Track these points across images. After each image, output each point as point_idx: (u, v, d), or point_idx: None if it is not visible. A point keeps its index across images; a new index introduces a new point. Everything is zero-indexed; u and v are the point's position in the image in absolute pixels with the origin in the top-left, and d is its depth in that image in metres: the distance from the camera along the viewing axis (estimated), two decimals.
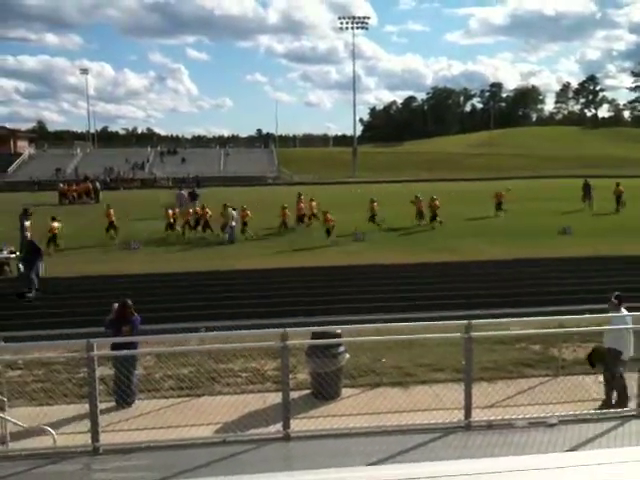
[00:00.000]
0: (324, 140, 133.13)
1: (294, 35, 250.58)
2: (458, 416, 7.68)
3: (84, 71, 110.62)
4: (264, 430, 7.73)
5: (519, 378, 9.89)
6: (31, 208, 26.41)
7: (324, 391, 9.04)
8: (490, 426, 7.59)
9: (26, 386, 9.51)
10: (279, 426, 7.48)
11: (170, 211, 27.95)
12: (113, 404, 8.95)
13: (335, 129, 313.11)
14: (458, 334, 7.73)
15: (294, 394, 8.34)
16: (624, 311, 8.75)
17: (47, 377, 9.99)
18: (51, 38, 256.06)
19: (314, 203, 30.24)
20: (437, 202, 29.31)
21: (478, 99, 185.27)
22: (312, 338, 9.04)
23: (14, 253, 21.24)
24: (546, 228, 26.95)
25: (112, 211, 27.47)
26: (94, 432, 7.08)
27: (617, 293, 8.86)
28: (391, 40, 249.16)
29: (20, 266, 18.45)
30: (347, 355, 9.33)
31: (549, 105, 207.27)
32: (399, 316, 12.58)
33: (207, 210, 27.80)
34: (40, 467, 6.79)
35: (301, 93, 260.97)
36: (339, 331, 9.12)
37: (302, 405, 8.74)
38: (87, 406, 7.17)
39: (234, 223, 25.87)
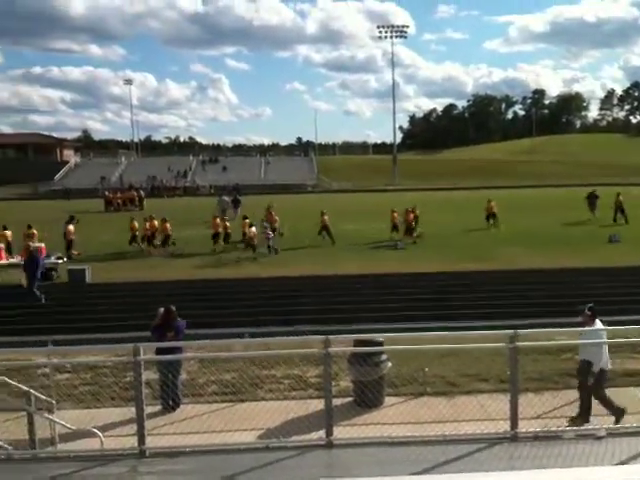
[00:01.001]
0: (364, 148, 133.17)
1: (332, 45, 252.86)
2: (504, 427, 7.55)
3: (128, 81, 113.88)
4: (307, 437, 7.71)
5: (565, 389, 9.68)
6: (77, 216, 27.15)
7: (367, 399, 8.99)
8: (536, 437, 7.44)
9: (74, 389, 9.70)
10: (322, 433, 7.45)
11: (136, 223, 26.82)
12: (158, 408, 9.10)
13: (375, 137, 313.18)
14: (503, 344, 7.61)
15: (336, 401, 8.30)
16: (598, 323, 8.48)
17: (94, 380, 10.20)
18: (95, 49, 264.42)
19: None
20: (412, 214, 27.42)
21: (520, 106, 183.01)
22: (354, 346, 9.01)
23: (61, 259, 21.95)
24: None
25: (72, 228, 25.51)
26: (140, 435, 7.16)
27: (590, 305, 8.53)
28: (430, 48, 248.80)
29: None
30: (389, 363, 9.29)
31: (593, 112, 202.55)
32: (438, 325, 12.44)
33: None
34: (88, 469, 6.90)
35: (340, 102, 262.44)
36: (381, 339, 9.09)
37: (344, 412, 8.71)
38: (133, 409, 7.26)
39: (270, 233, 25.41)
